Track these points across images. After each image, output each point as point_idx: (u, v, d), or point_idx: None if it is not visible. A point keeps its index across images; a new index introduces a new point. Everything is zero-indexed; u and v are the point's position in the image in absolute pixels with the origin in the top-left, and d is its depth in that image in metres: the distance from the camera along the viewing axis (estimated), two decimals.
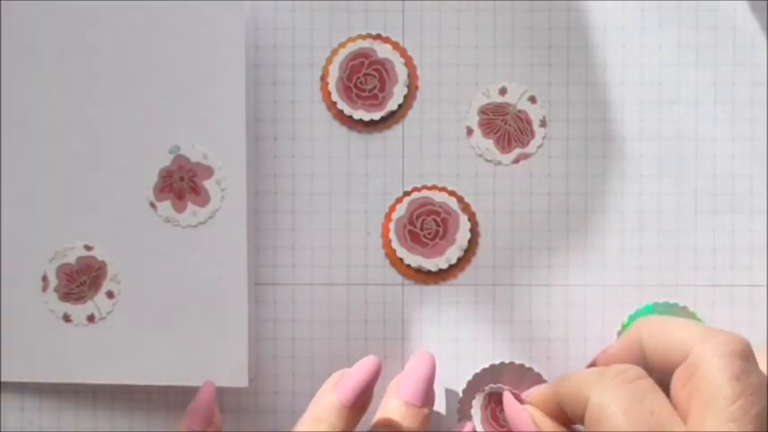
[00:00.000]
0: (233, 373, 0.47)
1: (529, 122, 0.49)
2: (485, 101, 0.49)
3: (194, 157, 0.47)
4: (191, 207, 0.47)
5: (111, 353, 0.48)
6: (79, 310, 0.48)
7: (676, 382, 0.40)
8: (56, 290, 0.48)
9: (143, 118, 0.47)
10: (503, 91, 0.49)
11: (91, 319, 0.48)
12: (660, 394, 0.39)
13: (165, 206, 0.47)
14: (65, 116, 0.47)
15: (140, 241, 0.47)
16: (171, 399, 0.49)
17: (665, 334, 0.41)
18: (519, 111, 0.49)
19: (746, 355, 0.39)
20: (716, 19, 0.49)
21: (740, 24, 0.49)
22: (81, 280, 0.48)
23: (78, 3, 0.47)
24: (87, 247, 0.48)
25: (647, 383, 0.40)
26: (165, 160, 0.47)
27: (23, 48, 0.47)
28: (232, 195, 0.47)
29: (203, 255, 0.47)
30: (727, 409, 0.37)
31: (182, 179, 0.47)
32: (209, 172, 0.47)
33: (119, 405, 0.49)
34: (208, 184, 0.47)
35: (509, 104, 0.49)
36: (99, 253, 0.48)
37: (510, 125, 0.49)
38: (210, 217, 0.47)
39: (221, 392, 0.49)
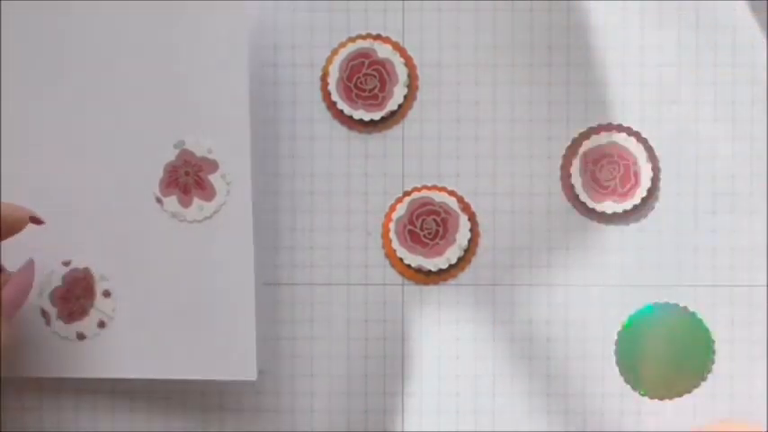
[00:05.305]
0: (242, 367, 0.47)
1: None
2: None
3: (199, 151, 0.47)
4: (197, 202, 0.47)
5: (127, 350, 0.48)
6: (88, 323, 0.48)
7: None
8: (59, 317, 0.48)
9: (148, 113, 0.47)
10: None
11: (101, 325, 0.48)
12: None
13: (172, 201, 0.48)
14: (70, 113, 0.48)
15: (148, 236, 0.48)
16: (171, 399, 0.49)
17: None
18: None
19: None
20: (716, 19, 0.49)
21: (740, 24, 0.49)
22: (76, 294, 0.48)
23: (83, 1, 0.47)
24: (65, 263, 0.48)
25: None
26: (170, 155, 0.47)
27: (27, 45, 0.47)
28: (237, 189, 0.47)
29: (210, 249, 0.47)
30: None
31: (187, 174, 0.47)
32: (214, 166, 0.47)
33: (119, 405, 0.49)
34: (213, 179, 0.47)
35: None
36: (78, 261, 0.48)
37: None
38: (216, 211, 0.47)
39: (222, 392, 0.49)
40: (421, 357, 0.49)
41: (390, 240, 0.49)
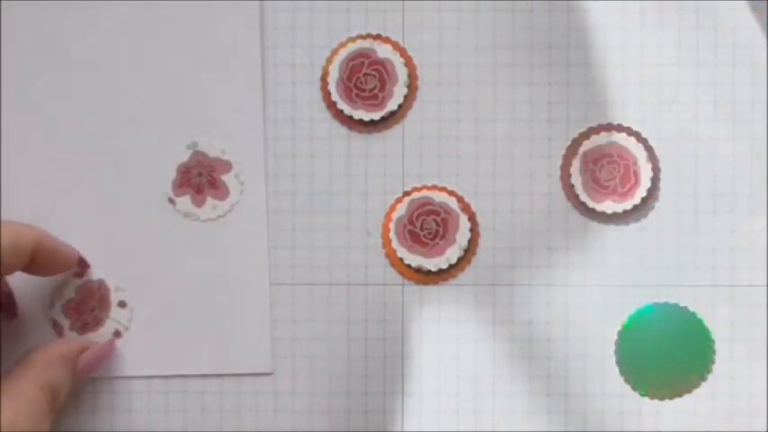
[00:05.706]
0: (257, 360, 0.48)
1: None
2: None
3: (212, 152, 0.48)
4: (210, 201, 0.48)
5: (142, 352, 0.48)
6: (103, 333, 0.48)
7: None
8: (71, 329, 0.48)
9: (160, 115, 0.48)
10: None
11: (117, 334, 0.48)
12: None
13: (184, 201, 0.48)
14: (82, 114, 0.48)
15: (161, 239, 0.48)
16: (171, 399, 0.49)
17: None
18: None
19: None
20: (716, 19, 0.49)
21: (740, 24, 0.49)
22: (90, 306, 0.48)
23: (97, 2, 0.47)
24: (78, 275, 0.48)
25: None
26: (183, 156, 0.48)
27: (36, 46, 0.47)
28: (251, 188, 0.48)
29: (224, 246, 0.48)
30: None
31: (200, 174, 0.48)
32: (227, 166, 0.48)
33: (118, 405, 0.49)
34: (227, 178, 0.48)
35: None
36: (94, 273, 0.48)
37: None
38: (230, 210, 0.48)
39: (221, 393, 0.49)
40: (421, 357, 0.49)
41: (390, 240, 0.49)
